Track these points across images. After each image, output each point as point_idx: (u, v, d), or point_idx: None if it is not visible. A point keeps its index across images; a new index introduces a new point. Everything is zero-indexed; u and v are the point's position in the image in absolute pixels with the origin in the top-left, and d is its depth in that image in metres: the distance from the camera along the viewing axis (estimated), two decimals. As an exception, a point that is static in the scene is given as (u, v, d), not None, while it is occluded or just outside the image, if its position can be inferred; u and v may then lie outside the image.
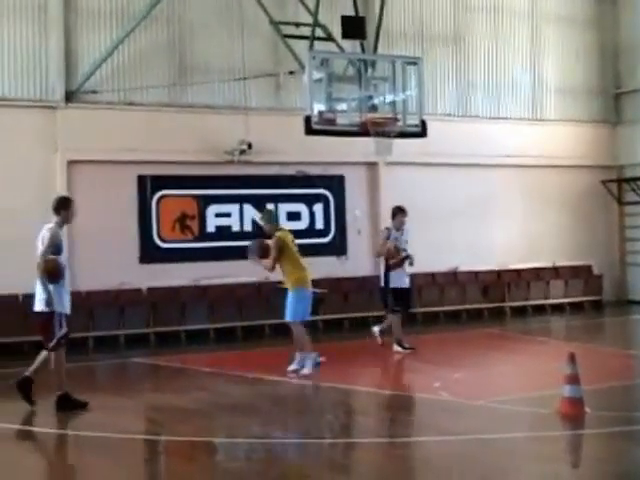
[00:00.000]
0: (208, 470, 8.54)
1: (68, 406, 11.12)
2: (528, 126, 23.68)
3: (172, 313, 18.94)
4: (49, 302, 11.01)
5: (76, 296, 18.36)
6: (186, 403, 11.73)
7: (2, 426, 10.36)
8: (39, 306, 11.16)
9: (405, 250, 15.43)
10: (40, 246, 11.16)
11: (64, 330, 11.18)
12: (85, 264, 18.47)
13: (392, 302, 15.55)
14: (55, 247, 11.17)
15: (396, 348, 15.47)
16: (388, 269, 15.48)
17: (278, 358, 15.22)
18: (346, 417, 11.33)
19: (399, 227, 15.55)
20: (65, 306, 11.22)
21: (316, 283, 16.93)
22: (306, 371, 13.19)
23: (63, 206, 11.41)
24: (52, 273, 11.07)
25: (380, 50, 19.29)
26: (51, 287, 11.04)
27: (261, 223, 14.03)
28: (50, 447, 9.72)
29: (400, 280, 15.47)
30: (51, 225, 11.30)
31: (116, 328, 18.36)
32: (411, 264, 15.55)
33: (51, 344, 11.13)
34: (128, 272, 19.04)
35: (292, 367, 13.35)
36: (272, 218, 13.99)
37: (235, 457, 9.04)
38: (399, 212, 15.63)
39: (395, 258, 15.39)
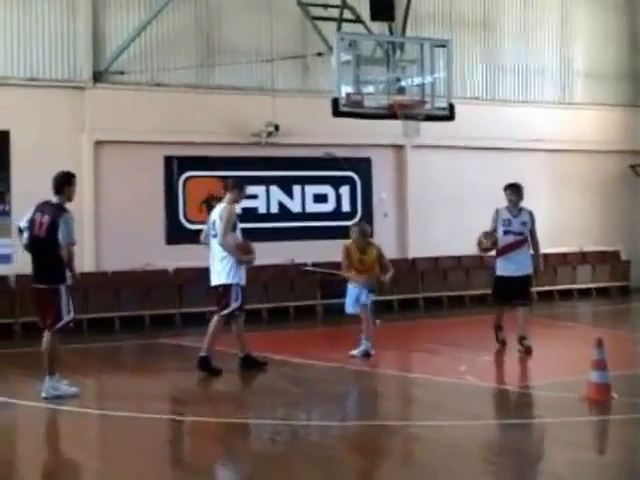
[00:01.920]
0: (233, 451, 8.55)
1: (252, 366, 12.33)
2: (557, 110, 23.51)
3: (198, 294, 18.90)
4: (228, 275, 11.99)
5: (102, 276, 18.64)
6: (211, 384, 11.76)
7: (33, 404, 10.44)
8: (218, 280, 12.11)
9: (520, 234, 13.33)
10: (218, 224, 12.05)
11: (240, 301, 12.14)
12: (111, 244, 18.61)
13: (493, 292, 13.84)
14: (232, 225, 12.12)
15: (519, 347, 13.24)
16: (497, 254, 13.52)
17: (303, 340, 15.25)
18: (370, 400, 11.32)
19: (511, 208, 13.50)
20: (242, 278, 12.13)
21: (341, 266, 16.92)
22: (356, 352, 13.20)
23: (234, 186, 12.42)
24: (242, 250, 12.11)
25: (408, 32, 19.26)
26: (231, 261, 11.95)
27: (357, 238, 13.48)
28: (75, 426, 9.76)
29: (506, 267, 13.38)
30: (225, 204, 12.27)
31: (142, 309, 18.41)
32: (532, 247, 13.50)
33: (224, 312, 12.10)
34: (154, 253, 19.09)
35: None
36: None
37: (260, 438, 9.06)
38: (505, 190, 13.68)
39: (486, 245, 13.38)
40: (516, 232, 13.36)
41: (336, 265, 14.57)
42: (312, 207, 20.73)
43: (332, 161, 20.73)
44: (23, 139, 18.12)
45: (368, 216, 21.21)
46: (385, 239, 21.24)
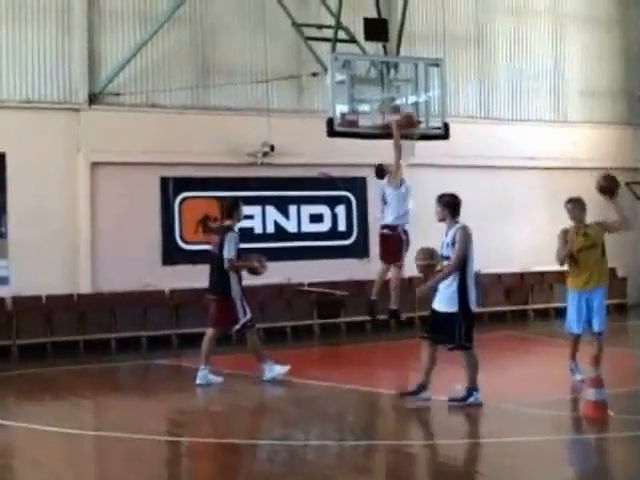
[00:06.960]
0: (230, 472, 8.54)
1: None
2: (551, 128, 23.57)
3: (195, 314, 18.91)
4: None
5: (98, 297, 18.61)
6: (208, 405, 11.75)
7: (29, 426, 10.43)
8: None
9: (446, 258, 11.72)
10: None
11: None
12: (108, 265, 18.58)
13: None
14: None
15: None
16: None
17: (300, 360, 15.22)
18: (366, 419, 11.30)
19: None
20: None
21: (337, 285, 17.03)
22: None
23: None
24: None
25: (402, 52, 19.24)
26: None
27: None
28: (72, 447, 9.74)
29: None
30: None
31: (139, 329, 18.38)
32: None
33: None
34: (151, 273, 19.09)
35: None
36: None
37: (257, 459, 9.04)
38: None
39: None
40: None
41: (332, 284, 14.54)
42: (308, 227, 20.75)
43: (328, 181, 20.75)
44: (19, 161, 18.14)
45: (364, 235, 21.24)
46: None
